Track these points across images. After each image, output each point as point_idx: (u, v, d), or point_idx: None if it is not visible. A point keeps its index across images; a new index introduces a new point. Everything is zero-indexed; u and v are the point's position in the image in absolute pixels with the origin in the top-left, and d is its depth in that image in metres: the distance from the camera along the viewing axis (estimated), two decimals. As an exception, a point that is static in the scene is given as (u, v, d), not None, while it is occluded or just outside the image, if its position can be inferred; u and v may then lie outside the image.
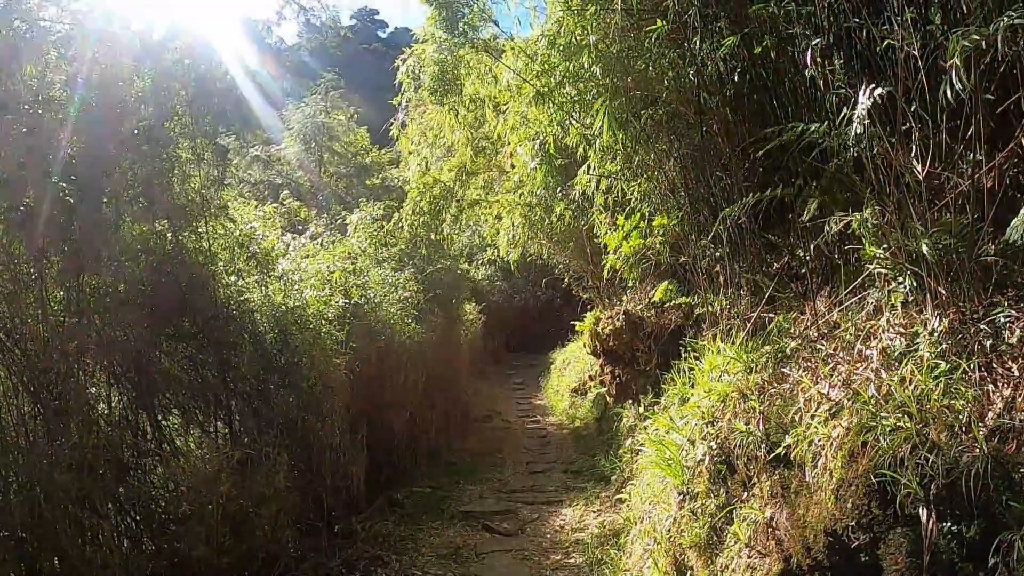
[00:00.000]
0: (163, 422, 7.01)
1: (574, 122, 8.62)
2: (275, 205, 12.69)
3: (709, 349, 6.29)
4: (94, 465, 5.82)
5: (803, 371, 4.55)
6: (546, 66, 8.57)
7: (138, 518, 6.39)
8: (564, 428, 15.92)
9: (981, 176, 3.79)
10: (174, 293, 6.96)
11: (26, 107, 5.98)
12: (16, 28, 6.16)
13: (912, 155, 4.05)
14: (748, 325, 5.94)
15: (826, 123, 4.60)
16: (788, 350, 4.97)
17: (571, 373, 18.76)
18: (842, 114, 4.29)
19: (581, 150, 8.71)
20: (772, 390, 4.75)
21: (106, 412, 6.49)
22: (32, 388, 5.81)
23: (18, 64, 6.07)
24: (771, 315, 5.81)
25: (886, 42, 4.18)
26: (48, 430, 5.76)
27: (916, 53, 3.93)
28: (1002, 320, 3.50)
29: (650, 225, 7.95)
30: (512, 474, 12.42)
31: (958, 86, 3.45)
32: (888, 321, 4.14)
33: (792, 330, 5.31)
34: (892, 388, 3.58)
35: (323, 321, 8.74)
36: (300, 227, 13.86)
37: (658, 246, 8.12)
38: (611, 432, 12.09)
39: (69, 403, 5.89)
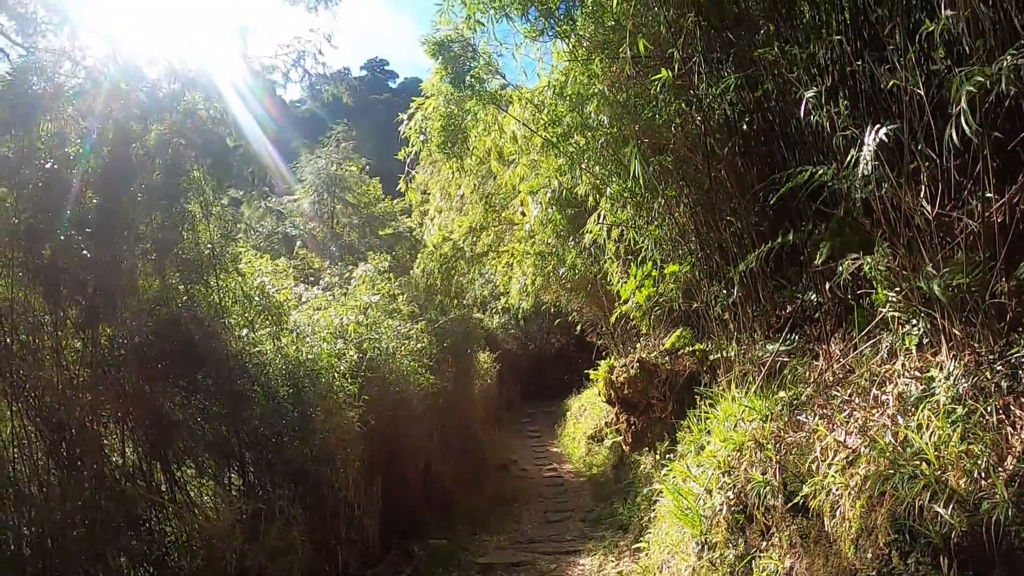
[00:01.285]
0: (177, 473, 6.99)
1: (583, 171, 8.66)
2: (288, 260, 12.74)
3: (724, 397, 6.23)
4: (107, 519, 5.80)
5: (819, 419, 4.49)
6: (554, 116, 8.63)
7: (152, 571, 6.34)
8: (581, 476, 15.75)
9: (992, 213, 3.76)
10: (187, 346, 6.98)
11: (42, 162, 6.09)
12: (35, 86, 6.29)
13: (921, 195, 4.03)
14: (763, 370, 5.89)
15: (833, 166, 4.59)
16: (803, 397, 4.92)
17: (587, 420, 18.61)
18: (849, 156, 4.28)
19: (591, 199, 8.72)
20: (788, 439, 4.68)
21: (119, 463, 6.49)
22: (47, 439, 5.84)
23: (36, 121, 6.19)
24: (785, 359, 5.77)
25: (891, 82, 4.18)
26: (62, 482, 5.76)
27: (921, 92, 3.93)
28: (1018, 360, 3.45)
29: (662, 273, 7.93)
30: (529, 523, 12.26)
31: (965, 129, 3.44)
32: (903, 365, 4.10)
33: (807, 375, 5.26)
34: (909, 435, 3.52)
35: (336, 374, 8.71)
36: (313, 278, 13.92)
37: (671, 293, 8.09)
38: (628, 480, 11.95)
39: (83, 455, 5.90)
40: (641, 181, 7.03)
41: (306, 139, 31.20)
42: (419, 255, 15.88)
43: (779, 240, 5.50)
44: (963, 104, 3.37)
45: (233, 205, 7.71)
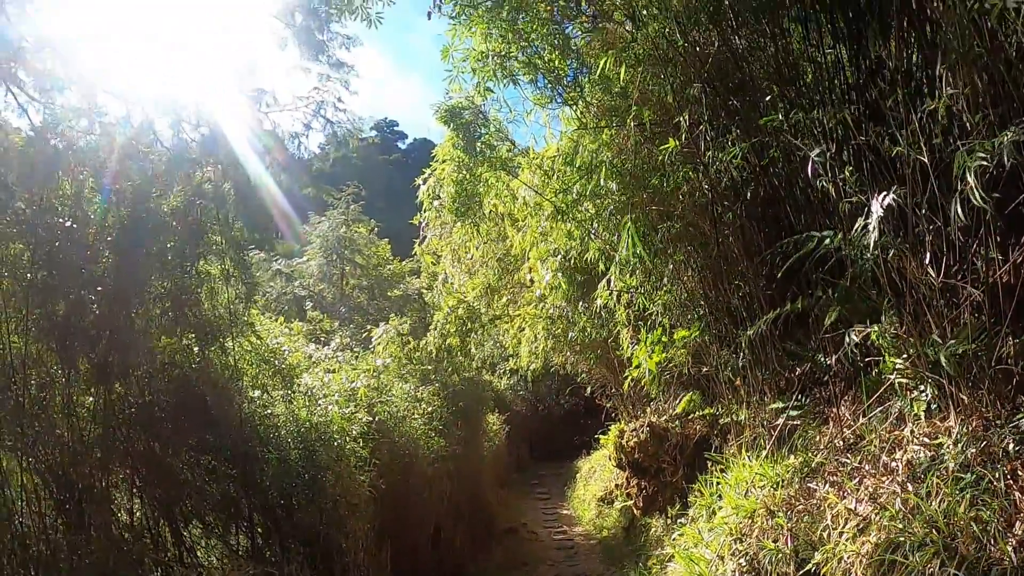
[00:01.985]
0: (184, 533, 6.96)
1: (593, 237, 8.77)
2: (302, 324, 12.82)
3: (735, 462, 6.23)
4: (115, 579, 5.77)
5: (830, 486, 4.50)
6: (563, 184, 8.77)
7: (158, 633, 6.28)
8: (591, 539, 15.57)
9: (997, 274, 3.82)
10: (199, 406, 7.02)
11: (59, 219, 6.21)
12: (54, 147, 6.44)
13: (927, 261, 4.10)
14: (773, 435, 5.90)
15: (840, 234, 4.67)
16: (814, 463, 4.93)
17: (597, 482, 18.46)
18: (856, 223, 4.36)
19: (601, 265, 8.81)
20: (799, 506, 4.68)
21: (127, 521, 6.48)
22: (55, 495, 5.84)
23: (54, 178, 6.33)
24: (796, 422, 5.78)
25: (896, 150, 4.28)
26: (69, 539, 5.75)
27: (925, 159, 4.02)
28: (1025, 424, 3.48)
29: (671, 338, 7.97)
30: (540, 588, 12.11)
31: (973, 200, 3.52)
32: (912, 431, 4.12)
33: (817, 439, 5.28)
34: (919, 502, 3.54)
35: (347, 438, 8.73)
36: (323, 339, 13.99)
37: (680, 357, 8.12)
38: (639, 543, 11.81)
39: (91, 512, 5.90)
40: (643, 253, 7.12)
41: (318, 198, 31.48)
42: (433, 317, 15.96)
43: (787, 307, 5.56)
44: (971, 180, 3.46)
45: (248, 270, 7.79)
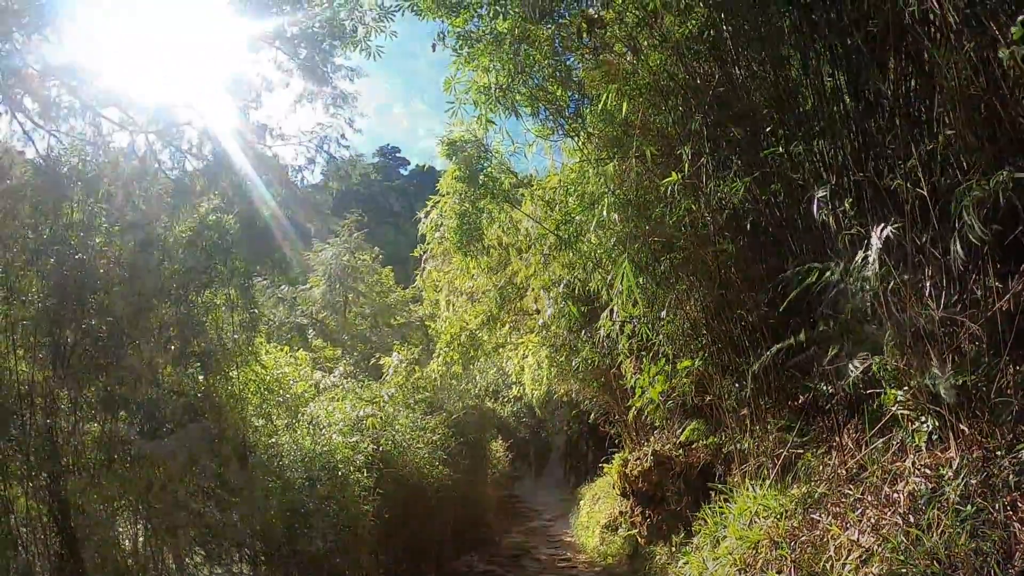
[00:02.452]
0: (186, 560, 6.96)
1: (596, 267, 8.81)
2: (307, 353, 12.84)
3: (739, 491, 6.24)
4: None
5: (833, 517, 4.51)
6: (565, 215, 8.83)
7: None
8: (595, 566, 15.44)
9: (998, 305, 3.86)
10: (203, 434, 7.04)
11: (68, 249, 6.27)
12: (63, 175, 6.53)
13: (926, 294, 4.14)
14: (777, 463, 5.92)
15: (841, 266, 4.71)
16: (817, 495, 4.94)
17: (601, 509, 18.34)
18: (856, 256, 4.40)
19: (604, 294, 8.84)
20: (803, 537, 4.70)
21: (130, 548, 6.49)
22: (59, 521, 5.86)
23: (62, 207, 6.40)
24: (799, 450, 5.79)
25: (895, 183, 4.33)
26: (73, 569, 5.76)
27: (924, 192, 4.08)
28: (1025, 454, 3.51)
29: (675, 367, 7.99)
30: (543, 617, 12.03)
31: (974, 235, 3.57)
32: (914, 463, 4.14)
33: (820, 469, 5.29)
34: (919, 534, 3.56)
35: (352, 467, 8.74)
36: (327, 367, 14.01)
37: (684, 387, 8.13)
38: (644, 571, 11.74)
39: (94, 538, 5.91)
40: (636, 291, 7.17)
41: (321, 227, 31.43)
42: (437, 346, 15.99)
43: (790, 340, 5.59)
44: (970, 218, 3.52)
45: (252, 299, 7.86)
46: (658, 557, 10.88)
